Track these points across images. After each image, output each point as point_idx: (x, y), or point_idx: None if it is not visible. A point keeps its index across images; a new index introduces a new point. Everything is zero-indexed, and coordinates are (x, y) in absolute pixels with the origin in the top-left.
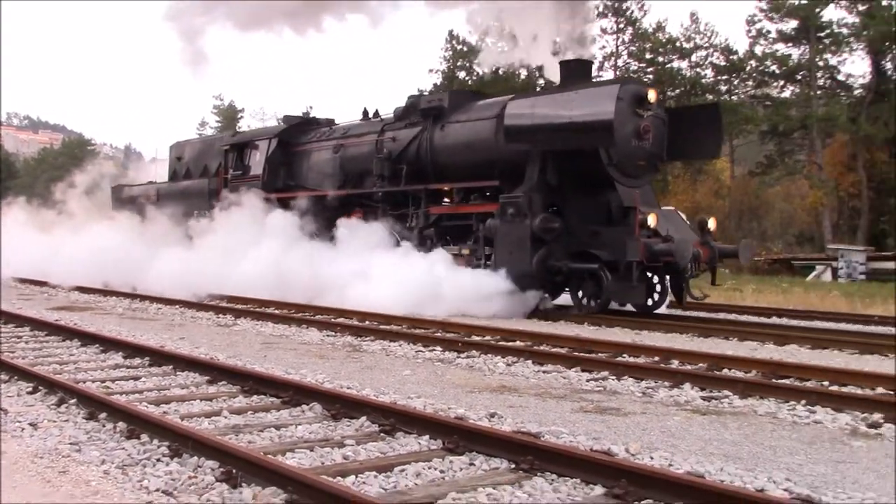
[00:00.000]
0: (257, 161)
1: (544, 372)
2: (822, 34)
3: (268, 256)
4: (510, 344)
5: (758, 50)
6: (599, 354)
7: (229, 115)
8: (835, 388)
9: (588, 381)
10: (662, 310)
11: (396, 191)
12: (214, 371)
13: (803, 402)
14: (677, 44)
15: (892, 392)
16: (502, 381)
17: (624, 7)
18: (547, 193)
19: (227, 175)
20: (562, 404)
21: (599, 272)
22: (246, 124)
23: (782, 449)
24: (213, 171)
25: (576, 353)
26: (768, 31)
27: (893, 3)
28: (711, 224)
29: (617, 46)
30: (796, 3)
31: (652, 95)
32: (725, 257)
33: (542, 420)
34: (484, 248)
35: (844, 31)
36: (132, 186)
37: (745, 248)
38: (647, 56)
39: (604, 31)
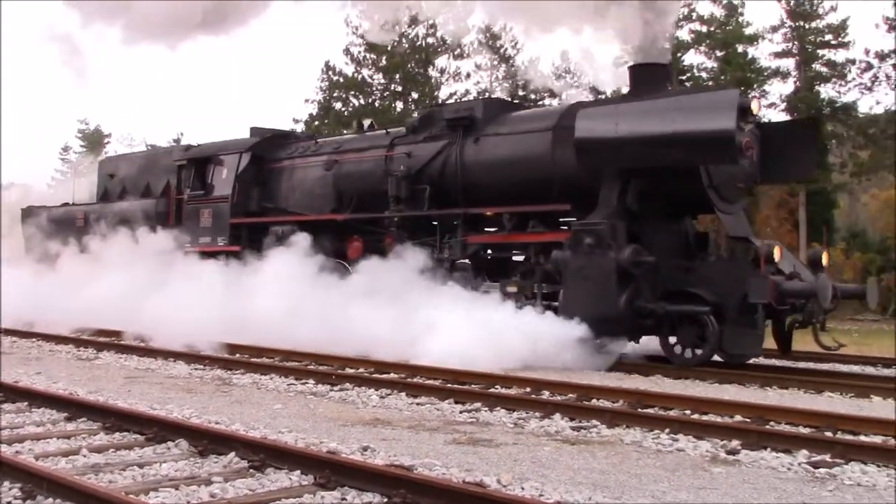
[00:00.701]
0: (224, 179)
1: (418, 404)
2: (684, 77)
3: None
4: (384, 376)
5: (624, 90)
6: (472, 386)
7: (94, 140)
8: (696, 416)
9: (461, 412)
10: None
11: (422, 216)
12: (73, 407)
13: (667, 430)
14: (548, 82)
15: (748, 420)
16: (376, 414)
17: (498, 45)
18: (628, 220)
19: (183, 195)
20: (435, 436)
21: (705, 317)
22: (112, 149)
23: (647, 477)
24: (160, 190)
25: (449, 385)
26: None
27: (751, 50)
28: (824, 259)
29: (491, 82)
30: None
31: (755, 106)
32: (848, 299)
33: (415, 453)
34: (541, 285)
35: (704, 74)
36: (51, 208)
37: (872, 289)
38: (521, 93)
39: (478, 66)
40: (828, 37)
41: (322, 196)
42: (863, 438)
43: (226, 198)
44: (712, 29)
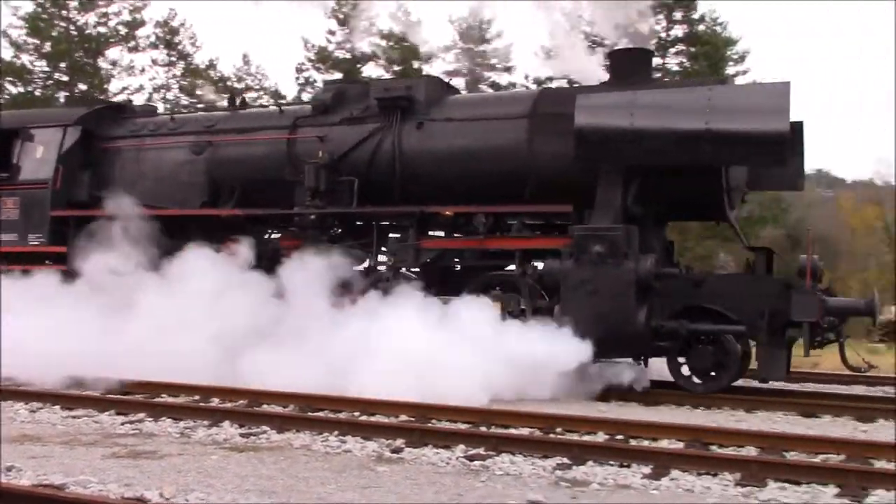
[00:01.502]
0: (39, 159)
1: (74, 417)
2: None
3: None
4: (33, 389)
5: (305, 97)
6: (136, 396)
7: None
8: (364, 418)
9: (123, 424)
10: None
11: (357, 213)
12: None
13: (336, 432)
14: (228, 83)
15: (413, 419)
16: (24, 430)
17: (176, 41)
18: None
19: None
20: (92, 451)
21: (726, 337)
22: None
23: (315, 479)
24: None
25: (109, 396)
26: (314, 81)
27: (426, 67)
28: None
29: (167, 79)
30: (340, 57)
31: None
32: (852, 315)
33: (68, 470)
34: (533, 299)
35: None
36: None
37: (878, 303)
38: (199, 92)
39: (154, 61)
40: (494, 60)
41: (188, 186)
42: (513, 431)
43: (44, 183)
44: (391, 44)
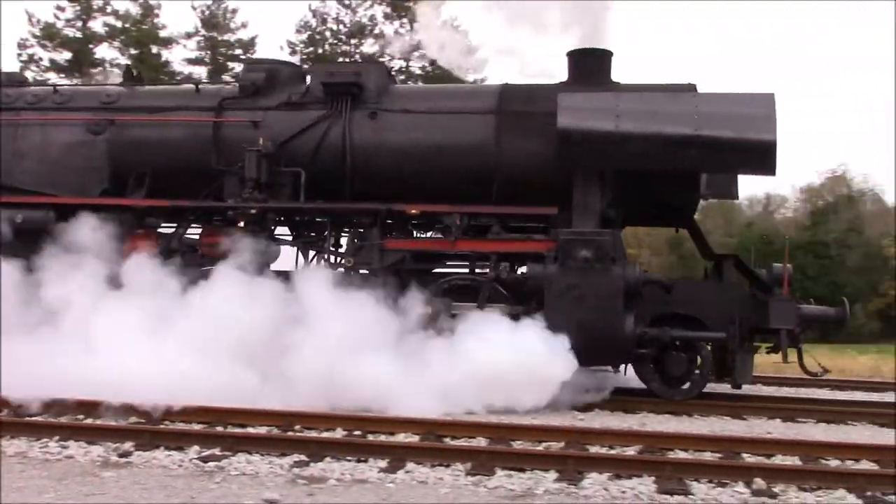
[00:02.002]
0: None
1: None
2: (96, 69)
3: None
4: None
5: (30, 75)
6: None
7: None
8: (90, 421)
9: None
10: None
11: (310, 209)
12: None
13: (56, 438)
14: None
15: (143, 421)
16: None
17: None
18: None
19: None
20: None
21: (701, 344)
22: None
23: (32, 489)
24: None
25: None
26: (41, 59)
27: (165, 52)
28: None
29: None
30: (71, 35)
31: None
32: (824, 322)
33: None
34: (514, 305)
35: (117, 69)
36: None
37: (848, 312)
38: None
39: None
40: (238, 51)
41: (84, 171)
42: (250, 430)
43: None
44: (127, 25)
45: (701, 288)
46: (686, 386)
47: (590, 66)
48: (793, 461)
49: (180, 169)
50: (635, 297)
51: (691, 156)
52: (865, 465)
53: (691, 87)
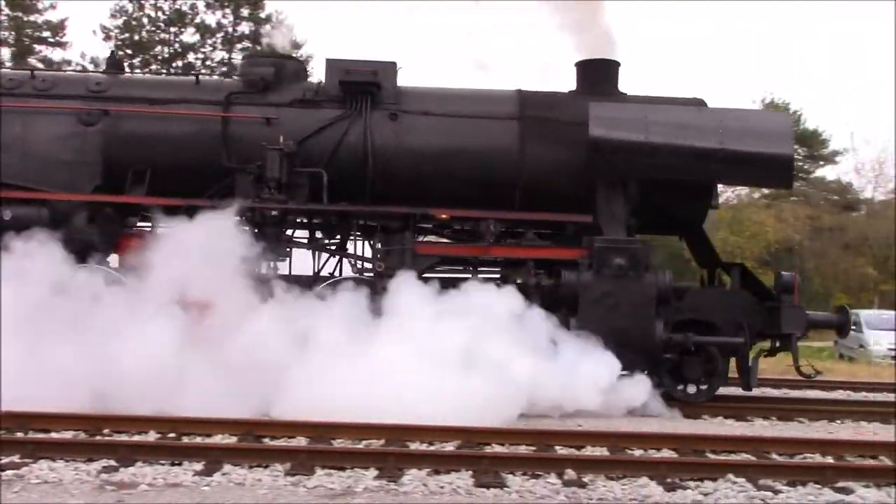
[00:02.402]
0: None
1: None
2: None
3: None
4: None
5: None
6: None
7: None
8: None
9: None
10: None
11: (338, 211)
12: None
13: None
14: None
15: None
16: None
17: None
18: None
19: None
20: None
21: (714, 350)
22: None
23: None
24: None
25: None
26: None
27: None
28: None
29: None
30: None
31: None
32: (823, 329)
33: None
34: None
35: None
36: None
37: (847, 319)
38: None
39: None
40: (46, 33)
41: (75, 165)
42: (54, 435)
43: None
44: None
45: (712, 295)
46: (704, 388)
47: (598, 75)
48: (601, 452)
49: (185, 166)
50: (665, 303)
51: (715, 168)
52: (666, 454)
53: (700, 102)
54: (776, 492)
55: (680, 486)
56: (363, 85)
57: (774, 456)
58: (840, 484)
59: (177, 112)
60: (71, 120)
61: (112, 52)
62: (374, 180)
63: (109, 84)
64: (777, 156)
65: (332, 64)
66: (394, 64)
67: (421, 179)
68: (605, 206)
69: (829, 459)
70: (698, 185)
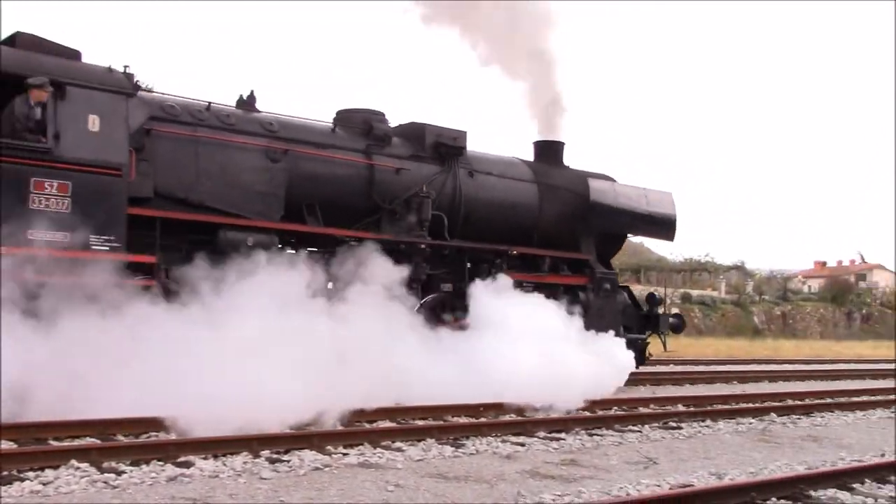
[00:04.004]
0: (98, 133)
1: None
2: None
3: None
4: None
5: None
6: None
7: None
8: None
9: None
10: None
11: (464, 247)
12: None
13: None
14: None
15: None
16: None
17: None
18: None
19: None
20: None
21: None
22: None
23: None
24: None
25: None
26: None
27: None
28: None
29: None
30: None
31: None
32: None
33: None
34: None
35: None
36: None
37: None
38: None
39: None
40: None
41: (264, 196)
42: None
43: (115, 168)
44: None
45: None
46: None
47: (549, 151)
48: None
49: (342, 203)
50: (624, 312)
51: (641, 225)
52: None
53: (611, 178)
54: (119, 473)
55: (17, 479)
56: (453, 148)
57: (120, 437)
58: (182, 458)
59: (338, 157)
60: (261, 155)
61: (241, 95)
62: (462, 223)
63: (279, 126)
64: (671, 218)
65: (429, 129)
66: (465, 132)
67: (488, 223)
68: (586, 248)
69: (172, 436)
70: (623, 234)
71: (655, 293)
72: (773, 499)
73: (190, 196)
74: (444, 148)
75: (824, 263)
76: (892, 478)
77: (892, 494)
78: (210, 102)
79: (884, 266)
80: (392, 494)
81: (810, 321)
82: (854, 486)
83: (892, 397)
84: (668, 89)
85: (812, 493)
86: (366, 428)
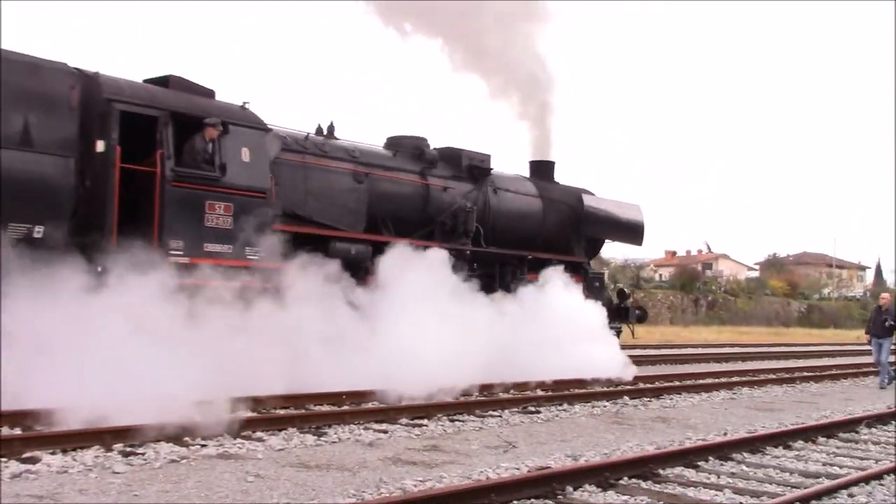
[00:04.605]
0: (248, 163)
1: None
2: None
3: None
4: None
5: None
6: None
7: None
8: None
9: None
10: None
11: (495, 253)
12: None
13: None
14: None
15: None
16: None
17: None
18: None
19: (159, 166)
20: None
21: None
22: None
23: None
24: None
25: None
26: None
27: None
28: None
29: None
30: None
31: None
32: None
33: None
34: None
35: None
36: None
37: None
38: None
39: None
40: None
41: (354, 212)
42: None
43: (261, 192)
44: None
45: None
46: None
47: (543, 169)
48: None
49: (404, 216)
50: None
51: (621, 232)
52: None
53: (589, 192)
54: None
55: None
56: (483, 169)
57: None
58: (27, 454)
59: (406, 178)
60: (349, 178)
61: (331, 122)
62: (489, 232)
63: (359, 152)
64: (641, 226)
65: (465, 153)
66: (490, 155)
67: (506, 232)
68: (578, 252)
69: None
70: (602, 240)
71: (625, 289)
72: (625, 478)
73: (302, 213)
74: (476, 170)
75: (674, 253)
76: (735, 455)
77: (734, 470)
78: (308, 133)
79: (728, 256)
80: (252, 485)
81: (661, 308)
82: (699, 463)
83: (734, 379)
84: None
85: (661, 471)
86: (227, 418)
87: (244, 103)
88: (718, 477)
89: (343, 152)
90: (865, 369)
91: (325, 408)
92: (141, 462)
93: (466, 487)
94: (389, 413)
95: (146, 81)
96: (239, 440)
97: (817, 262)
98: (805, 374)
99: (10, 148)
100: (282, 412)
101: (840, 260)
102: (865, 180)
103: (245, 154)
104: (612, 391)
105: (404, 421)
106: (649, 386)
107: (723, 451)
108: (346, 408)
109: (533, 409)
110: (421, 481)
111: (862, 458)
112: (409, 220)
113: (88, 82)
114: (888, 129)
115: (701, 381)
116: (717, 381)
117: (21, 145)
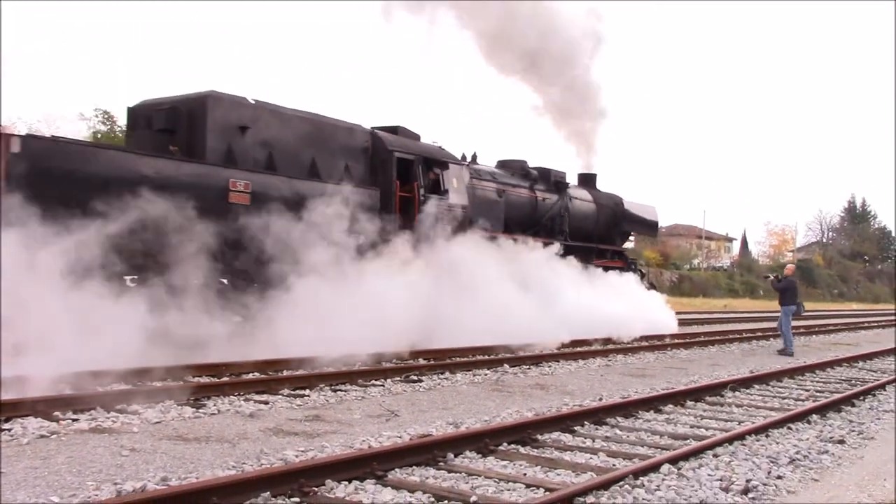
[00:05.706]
0: (456, 188)
1: None
2: None
3: None
4: None
5: None
6: None
7: None
8: None
9: None
10: None
11: (578, 246)
12: None
13: None
14: None
15: None
16: None
17: None
18: None
19: (417, 193)
20: None
21: None
22: None
23: None
24: (335, 172)
25: None
26: None
27: None
28: None
29: None
30: None
31: None
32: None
33: None
34: None
35: None
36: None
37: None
38: None
39: None
40: None
41: (496, 219)
42: None
43: (465, 207)
44: None
45: None
46: None
47: (589, 178)
48: None
49: (522, 221)
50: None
51: (644, 227)
52: None
53: (620, 196)
54: None
55: None
56: (563, 184)
57: None
58: None
59: (523, 193)
60: (496, 194)
61: (474, 152)
62: (570, 230)
63: (496, 174)
64: (657, 223)
65: (553, 172)
66: (565, 172)
67: (579, 230)
68: (619, 243)
69: None
70: (629, 233)
71: (641, 268)
72: (505, 444)
73: (472, 218)
74: (559, 184)
75: None
76: (609, 419)
77: (608, 434)
78: (469, 162)
79: None
80: (127, 459)
81: None
82: (576, 428)
83: (609, 347)
84: None
85: (539, 436)
86: (97, 392)
87: (439, 146)
88: (594, 441)
89: (489, 175)
90: (730, 336)
91: (204, 379)
92: (7, 438)
93: (348, 456)
94: (270, 384)
95: (376, 129)
96: (113, 413)
97: (688, 233)
98: (675, 341)
99: (350, 184)
100: (158, 384)
101: (709, 232)
102: (733, 156)
103: (454, 182)
104: (492, 359)
105: (286, 392)
106: (529, 354)
107: (598, 415)
108: (225, 379)
109: (415, 377)
110: (302, 451)
111: (726, 420)
112: (523, 223)
113: (374, 138)
114: (757, 109)
115: (578, 349)
116: (591, 348)
117: (353, 183)
